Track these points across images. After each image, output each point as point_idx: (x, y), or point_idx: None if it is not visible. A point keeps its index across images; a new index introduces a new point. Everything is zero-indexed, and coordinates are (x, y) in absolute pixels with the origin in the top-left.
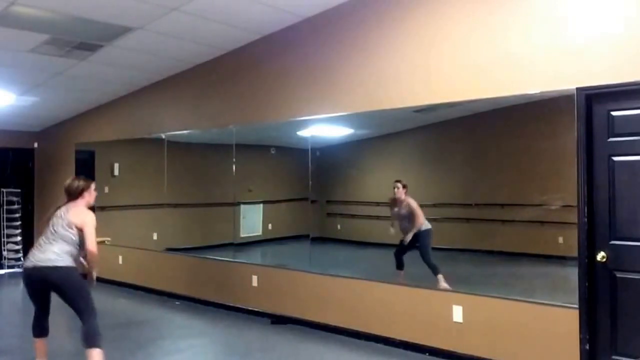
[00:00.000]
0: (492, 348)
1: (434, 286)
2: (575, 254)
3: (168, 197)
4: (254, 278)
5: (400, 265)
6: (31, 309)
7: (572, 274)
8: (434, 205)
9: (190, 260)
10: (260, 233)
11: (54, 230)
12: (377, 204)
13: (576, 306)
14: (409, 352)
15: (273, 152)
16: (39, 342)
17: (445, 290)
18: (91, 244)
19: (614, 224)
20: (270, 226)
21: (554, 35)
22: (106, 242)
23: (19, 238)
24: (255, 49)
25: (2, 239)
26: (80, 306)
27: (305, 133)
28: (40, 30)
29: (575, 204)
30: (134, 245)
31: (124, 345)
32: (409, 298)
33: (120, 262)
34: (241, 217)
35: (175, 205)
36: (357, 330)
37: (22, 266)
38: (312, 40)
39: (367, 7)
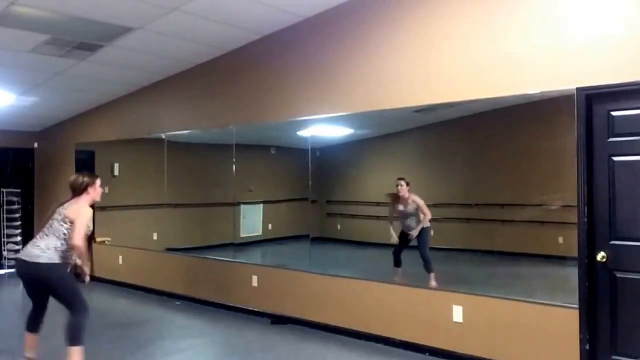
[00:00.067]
0: (492, 348)
1: (435, 286)
2: (575, 254)
3: (168, 197)
4: (254, 278)
5: (398, 263)
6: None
7: (572, 274)
8: (434, 205)
9: (190, 260)
10: (260, 233)
11: (50, 224)
12: (377, 204)
13: (576, 306)
14: (409, 352)
15: (273, 152)
16: (30, 337)
17: (445, 290)
18: (77, 237)
19: (614, 223)
20: (270, 226)
21: (554, 35)
22: (106, 242)
23: (19, 238)
24: (255, 49)
25: (2, 239)
26: (66, 303)
27: (305, 133)
28: (40, 30)
29: (575, 204)
30: (134, 245)
31: (124, 345)
32: (409, 298)
33: (120, 262)
34: (241, 217)
35: (176, 205)
36: (357, 330)
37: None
38: (312, 40)
39: (367, 7)
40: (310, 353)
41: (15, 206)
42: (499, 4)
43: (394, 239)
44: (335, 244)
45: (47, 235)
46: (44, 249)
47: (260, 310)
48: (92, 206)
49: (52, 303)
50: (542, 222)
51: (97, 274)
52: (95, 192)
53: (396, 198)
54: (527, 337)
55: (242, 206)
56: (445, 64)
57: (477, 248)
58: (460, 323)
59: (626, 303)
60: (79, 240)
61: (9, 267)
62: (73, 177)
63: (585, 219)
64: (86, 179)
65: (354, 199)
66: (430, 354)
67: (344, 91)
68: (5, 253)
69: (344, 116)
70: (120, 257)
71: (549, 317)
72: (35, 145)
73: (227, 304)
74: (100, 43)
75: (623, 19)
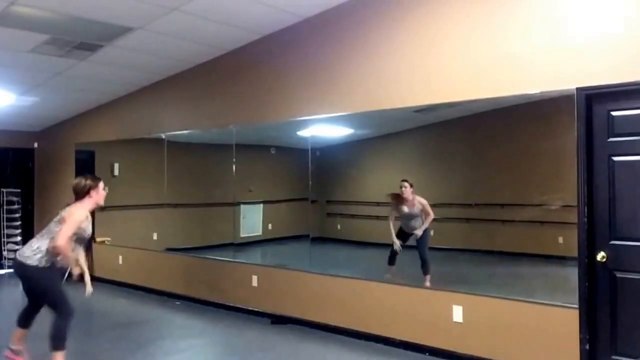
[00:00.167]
0: (492, 348)
1: (434, 286)
2: (575, 254)
3: (168, 197)
4: (254, 278)
5: (392, 262)
6: None
7: (572, 274)
8: (434, 205)
9: (190, 260)
10: (260, 233)
11: (48, 226)
12: (377, 204)
13: (576, 306)
14: (409, 352)
15: (273, 152)
16: (19, 331)
17: (445, 290)
18: (60, 237)
19: (614, 224)
20: (270, 226)
21: (554, 35)
22: (106, 242)
23: (19, 238)
24: (255, 49)
25: (2, 239)
26: (50, 305)
27: (305, 133)
28: (40, 30)
29: (575, 204)
30: (134, 245)
31: (124, 345)
32: (409, 298)
33: (120, 262)
34: (241, 217)
35: (176, 205)
36: (357, 330)
37: None
38: (312, 40)
39: (367, 7)
40: (310, 353)
41: (15, 206)
42: (499, 4)
43: (397, 245)
44: (335, 244)
45: (42, 236)
46: (35, 249)
47: (260, 310)
48: (93, 211)
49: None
50: (542, 222)
51: (97, 274)
52: (98, 195)
53: (399, 199)
54: (527, 337)
55: (242, 206)
56: (445, 64)
57: (477, 248)
58: (460, 323)
59: (626, 303)
60: (61, 240)
61: (9, 267)
62: (76, 180)
63: (585, 219)
64: (89, 182)
65: (354, 199)
66: (430, 354)
67: (344, 91)
68: (5, 253)
69: (344, 116)
70: (120, 257)
71: (549, 317)
72: (35, 145)
73: (227, 304)
74: (100, 43)
75: (623, 19)
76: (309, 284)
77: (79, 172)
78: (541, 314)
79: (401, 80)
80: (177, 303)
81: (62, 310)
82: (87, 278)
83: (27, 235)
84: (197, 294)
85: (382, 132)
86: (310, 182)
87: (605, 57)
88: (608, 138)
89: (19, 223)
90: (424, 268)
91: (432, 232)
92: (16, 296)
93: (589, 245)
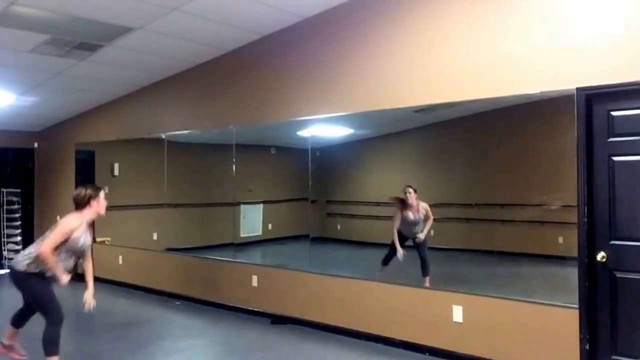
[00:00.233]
0: (492, 348)
1: (434, 286)
2: (575, 254)
3: (168, 197)
4: (254, 278)
5: (387, 262)
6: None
7: (572, 274)
8: (434, 205)
9: (190, 260)
10: (260, 233)
11: (45, 234)
12: (377, 204)
13: (576, 306)
14: (409, 352)
15: (273, 152)
16: (11, 329)
17: (445, 290)
18: (45, 243)
19: (614, 224)
20: (270, 226)
21: (554, 35)
22: (106, 242)
23: (19, 238)
24: (255, 49)
25: (2, 239)
26: (40, 311)
27: (305, 133)
28: (40, 30)
29: (575, 204)
30: (134, 245)
31: (124, 345)
32: (409, 298)
33: (120, 262)
34: (241, 217)
35: (176, 205)
36: (357, 330)
37: None
38: (312, 40)
39: (367, 7)
40: (310, 353)
41: (15, 206)
42: (499, 4)
43: (401, 254)
44: (335, 244)
45: (37, 242)
46: (26, 255)
47: (260, 310)
48: (93, 223)
49: None
50: (542, 222)
51: (97, 274)
52: (98, 205)
53: (404, 205)
54: (527, 337)
55: (242, 206)
56: (445, 64)
57: (477, 248)
58: (460, 323)
59: (626, 303)
60: (44, 246)
61: (9, 267)
62: (76, 190)
63: (585, 219)
64: (89, 192)
65: (354, 199)
66: (430, 354)
67: (344, 91)
68: (5, 253)
69: (344, 116)
70: (120, 257)
71: (549, 317)
72: (35, 145)
73: (227, 304)
74: (100, 43)
75: (623, 19)
76: (309, 284)
77: (79, 172)
78: (541, 314)
79: (401, 80)
80: (177, 303)
81: (50, 316)
82: (89, 292)
83: (27, 235)
84: (197, 294)
85: (382, 132)
86: (310, 182)
87: (605, 57)
88: (608, 138)
89: (19, 223)
90: (424, 269)
91: (432, 232)
92: (16, 296)
93: (589, 245)
